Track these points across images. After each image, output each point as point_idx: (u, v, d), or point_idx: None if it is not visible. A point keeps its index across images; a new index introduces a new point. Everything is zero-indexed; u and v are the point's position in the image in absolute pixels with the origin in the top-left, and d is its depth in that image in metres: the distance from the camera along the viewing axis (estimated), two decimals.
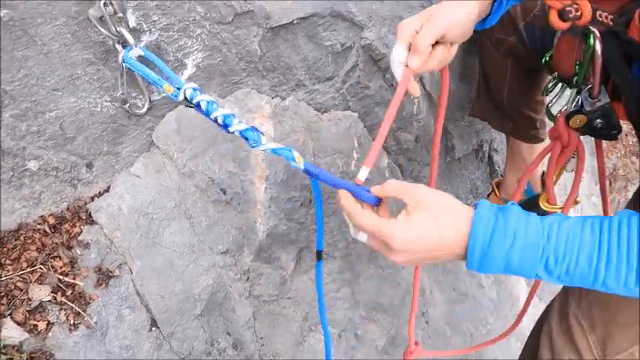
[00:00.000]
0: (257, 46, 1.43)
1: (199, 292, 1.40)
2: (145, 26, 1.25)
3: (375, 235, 0.90)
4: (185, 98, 1.20)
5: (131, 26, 1.23)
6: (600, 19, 1.20)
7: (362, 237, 0.94)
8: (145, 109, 1.35)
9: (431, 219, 0.87)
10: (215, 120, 1.19)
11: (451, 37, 1.09)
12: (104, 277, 1.28)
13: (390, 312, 2.01)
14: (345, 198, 0.95)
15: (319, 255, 1.44)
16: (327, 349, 1.58)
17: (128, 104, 1.31)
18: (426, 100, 2.00)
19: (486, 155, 2.66)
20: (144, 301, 1.32)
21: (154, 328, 1.33)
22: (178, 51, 1.33)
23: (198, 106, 1.20)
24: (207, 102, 1.18)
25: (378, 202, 1.02)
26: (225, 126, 1.19)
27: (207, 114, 1.19)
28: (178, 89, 1.18)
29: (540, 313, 1.53)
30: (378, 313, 1.97)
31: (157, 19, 1.26)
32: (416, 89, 1.12)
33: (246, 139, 1.17)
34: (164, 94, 1.30)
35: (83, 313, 1.21)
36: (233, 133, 1.17)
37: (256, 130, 1.16)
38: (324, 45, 1.58)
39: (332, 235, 1.76)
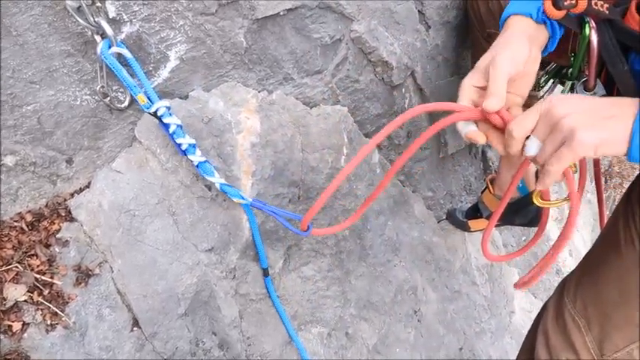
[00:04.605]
0: (242, 38, 1.40)
1: (183, 291, 1.36)
2: (125, 17, 1.21)
3: (543, 117, 0.92)
4: (155, 113, 1.26)
5: (111, 17, 1.19)
6: (596, 7, 1.16)
7: (534, 143, 0.94)
8: (126, 103, 1.31)
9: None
10: (178, 145, 1.28)
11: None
12: (84, 275, 1.24)
13: (381, 310, 1.98)
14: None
15: (265, 272, 1.56)
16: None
17: (109, 98, 1.27)
18: (418, 95, 1.97)
19: (480, 151, 2.63)
20: (125, 300, 1.28)
21: (135, 328, 1.29)
22: (161, 42, 1.29)
23: (165, 126, 1.27)
24: (177, 126, 1.27)
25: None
26: (185, 152, 1.30)
27: (171, 136, 1.28)
28: (152, 103, 1.24)
29: (534, 309, 1.51)
30: (370, 311, 1.94)
31: (137, 9, 1.22)
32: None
33: (201, 170, 1.31)
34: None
35: (61, 313, 1.17)
36: (191, 161, 1.31)
37: (210, 163, 1.32)
38: (313, 37, 1.54)
39: None
